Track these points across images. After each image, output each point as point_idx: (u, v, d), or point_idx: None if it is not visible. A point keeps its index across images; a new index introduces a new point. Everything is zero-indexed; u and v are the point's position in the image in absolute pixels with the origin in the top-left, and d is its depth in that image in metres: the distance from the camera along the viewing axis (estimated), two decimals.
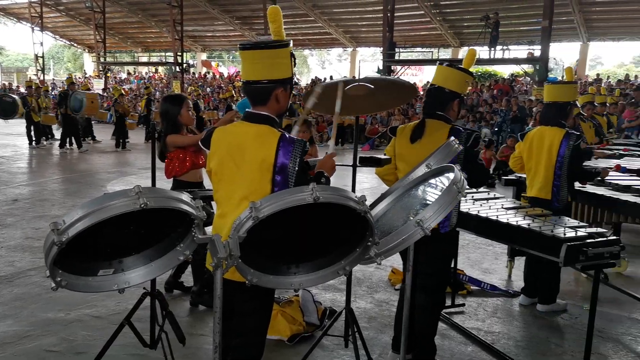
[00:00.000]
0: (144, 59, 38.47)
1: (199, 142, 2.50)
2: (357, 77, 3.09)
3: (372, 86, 2.88)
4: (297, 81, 22.28)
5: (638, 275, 5.49)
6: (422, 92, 16.97)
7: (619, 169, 4.60)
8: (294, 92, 3.26)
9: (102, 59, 33.40)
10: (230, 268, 1.71)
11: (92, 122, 17.50)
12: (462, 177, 2.13)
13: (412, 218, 2.08)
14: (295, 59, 2.37)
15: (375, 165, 3.06)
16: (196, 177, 4.32)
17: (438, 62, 3.51)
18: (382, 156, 3.09)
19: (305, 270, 2.02)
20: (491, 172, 11.02)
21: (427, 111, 3.34)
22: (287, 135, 2.24)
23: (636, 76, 24.56)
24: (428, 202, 2.29)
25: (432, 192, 2.37)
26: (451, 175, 2.18)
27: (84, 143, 15.39)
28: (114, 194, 1.46)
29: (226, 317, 2.27)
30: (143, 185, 1.57)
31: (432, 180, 2.41)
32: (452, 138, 2.72)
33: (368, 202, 1.90)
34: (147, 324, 3.56)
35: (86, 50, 42.19)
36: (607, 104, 11.67)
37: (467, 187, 2.31)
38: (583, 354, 3.21)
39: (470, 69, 3.42)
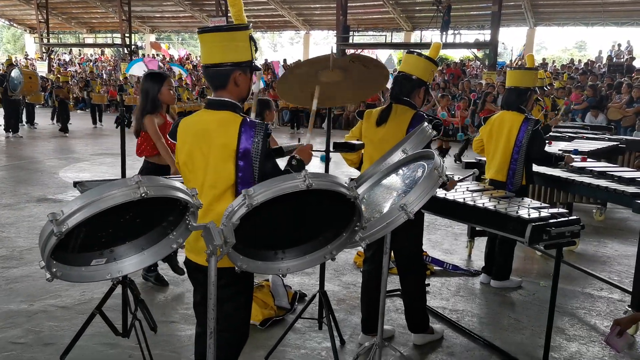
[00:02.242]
0: (90, 41, 37.09)
1: (167, 135, 2.46)
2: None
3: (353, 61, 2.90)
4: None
5: (588, 252, 5.79)
6: None
7: (585, 160, 4.84)
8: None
9: (45, 40, 32.00)
10: (224, 255, 1.73)
11: (36, 107, 16.86)
12: (442, 162, 2.20)
13: (395, 202, 2.14)
14: (255, 42, 2.35)
15: (349, 150, 3.12)
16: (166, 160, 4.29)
17: (407, 52, 3.62)
18: (356, 141, 3.15)
19: (292, 255, 2.05)
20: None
21: (395, 96, 3.49)
22: (249, 119, 2.23)
23: (579, 60, 25.48)
24: (408, 187, 2.35)
25: (411, 177, 2.43)
26: (430, 161, 2.25)
27: (21, 126, 14.78)
28: (114, 183, 1.44)
29: (204, 304, 2.29)
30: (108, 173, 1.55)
31: (411, 165, 2.48)
32: (426, 124, 2.80)
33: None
34: (115, 313, 3.53)
35: (27, 31, 40.28)
36: (553, 85, 12.16)
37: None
38: (541, 327, 3.39)
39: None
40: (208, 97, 2.40)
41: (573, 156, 4.89)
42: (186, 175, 2.38)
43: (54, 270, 1.51)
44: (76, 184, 3.01)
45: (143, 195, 1.44)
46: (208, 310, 1.72)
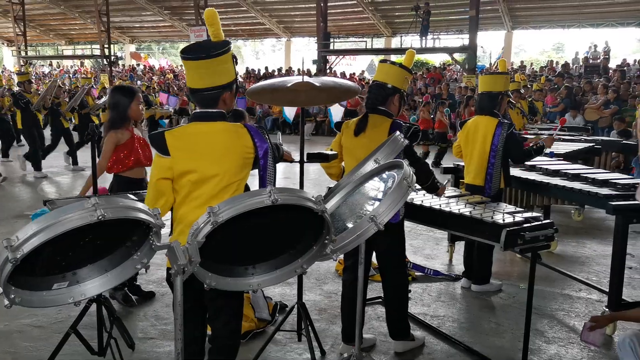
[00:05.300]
0: (69, 52, 36.79)
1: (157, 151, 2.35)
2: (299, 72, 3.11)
3: (318, 84, 2.91)
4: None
5: (567, 253, 5.83)
6: (356, 82, 17.22)
7: (563, 122, 4.91)
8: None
9: (22, 53, 31.70)
10: (190, 273, 1.71)
11: None
12: (411, 172, 2.20)
13: (365, 213, 2.13)
14: (236, 59, 2.40)
15: (322, 161, 3.11)
16: (139, 174, 4.20)
17: (380, 61, 3.63)
18: (329, 152, 3.14)
19: (262, 270, 2.03)
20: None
21: (370, 106, 3.48)
22: (250, 125, 2.43)
23: (557, 62, 25.79)
24: (379, 197, 2.35)
25: (382, 187, 2.43)
26: (400, 171, 2.25)
27: None
28: (70, 207, 1.42)
29: (194, 310, 2.39)
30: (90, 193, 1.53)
31: (382, 175, 2.47)
32: (398, 133, 2.80)
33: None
34: (92, 331, 3.47)
35: (5, 44, 39.85)
36: (528, 87, 12.31)
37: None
38: (521, 331, 3.40)
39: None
40: (195, 111, 2.41)
41: (552, 139, 4.94)
42: (192, 184, 2.31)
43: (12, 296, 1.48)
44: (46, 202, 2.96)
45: (100, 218, 1.42)
46: (175, 331, 1.70)
